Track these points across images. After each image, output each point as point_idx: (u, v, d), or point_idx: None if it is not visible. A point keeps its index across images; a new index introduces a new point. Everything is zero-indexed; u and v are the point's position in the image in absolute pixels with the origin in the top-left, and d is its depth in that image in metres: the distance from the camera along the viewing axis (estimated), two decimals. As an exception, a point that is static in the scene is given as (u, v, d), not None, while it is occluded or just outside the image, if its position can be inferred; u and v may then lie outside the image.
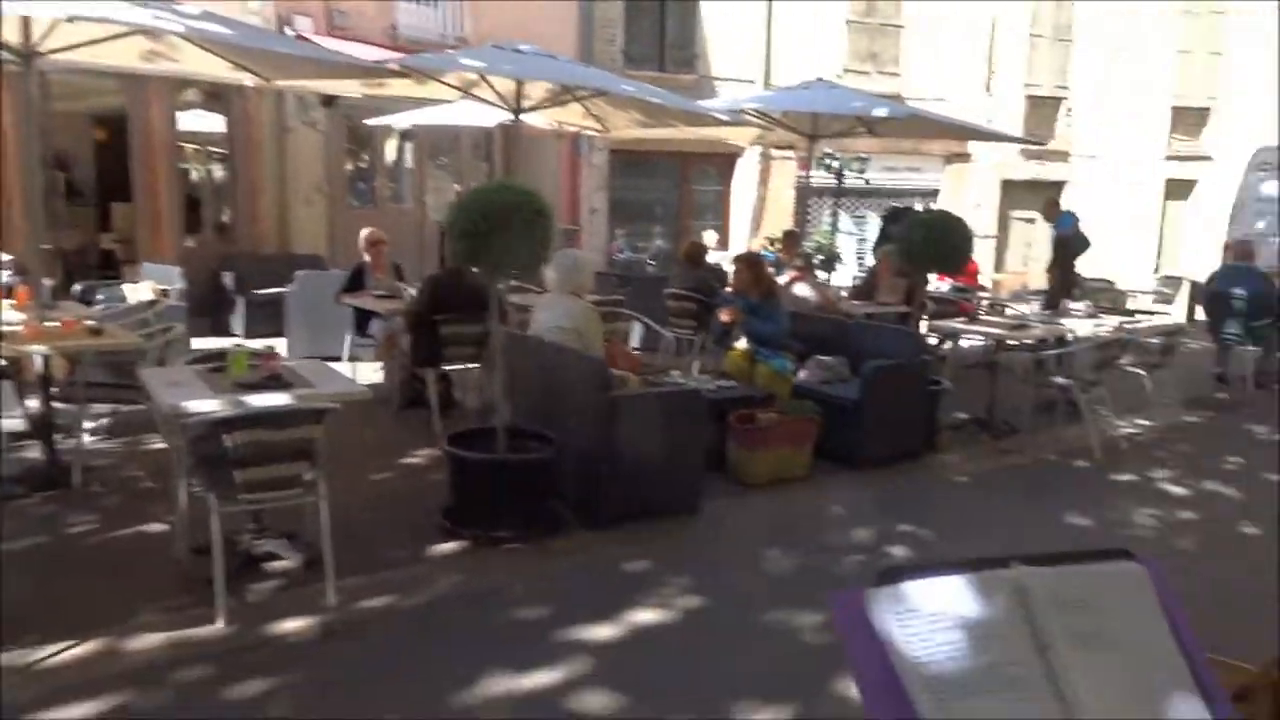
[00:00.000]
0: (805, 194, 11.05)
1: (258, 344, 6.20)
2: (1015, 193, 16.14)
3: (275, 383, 3.78)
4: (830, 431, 5.59)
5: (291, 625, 3.42)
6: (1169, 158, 17.65)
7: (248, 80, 6.25)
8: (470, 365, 6.25)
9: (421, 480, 5.20)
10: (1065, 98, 16.63)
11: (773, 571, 4.20)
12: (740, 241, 13.72)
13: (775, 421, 5.39)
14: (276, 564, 3.91)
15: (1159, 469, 5.98)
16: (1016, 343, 7.19)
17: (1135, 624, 1.49)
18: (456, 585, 3.89)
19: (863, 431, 5.64)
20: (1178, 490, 5.55)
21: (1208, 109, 17.70)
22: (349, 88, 7.43)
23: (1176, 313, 12.60)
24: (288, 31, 9.68)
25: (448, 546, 4.26)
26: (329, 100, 10.20)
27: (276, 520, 4.06)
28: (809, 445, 5.47)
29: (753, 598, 3.85)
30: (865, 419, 5.63)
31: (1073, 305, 9.07)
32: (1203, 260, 11.74)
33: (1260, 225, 12.50)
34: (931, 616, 1.34)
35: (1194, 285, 12.20)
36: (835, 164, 13.21)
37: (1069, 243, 9.17)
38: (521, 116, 7.20)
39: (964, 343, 9.38)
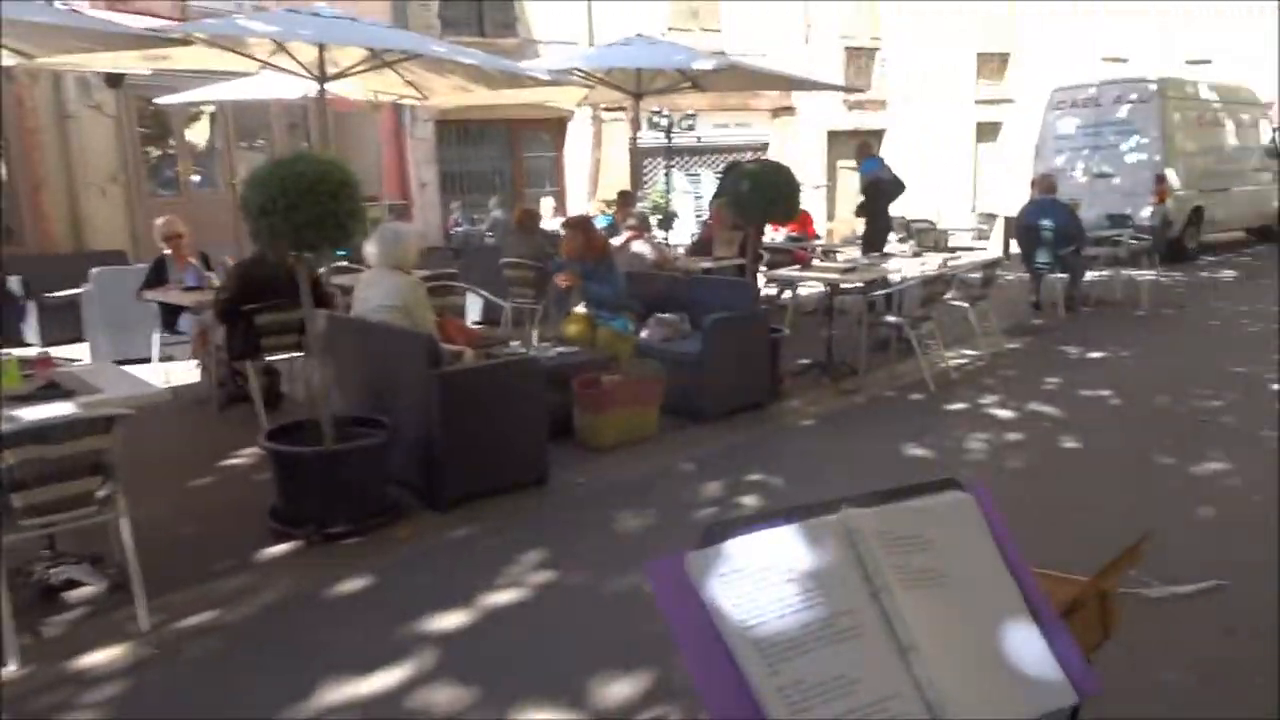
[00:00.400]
0: (638, 155, 10.97)
1: (55, 351, 5.62)
2: (840, 143, 16.62)
3: (53, 391, 3.37)
4: (675, 388, 5.55)
5: (97, 657, 3.07)
6: (977, 102, 18.62)
7: (6, 59, 5.58)
8: (294, 355, 5.85)
9: (247, 482, 4.83)
10: (879, 48, 17.22)
11: (625, 535, 4.11)
12: (578, 207, 13.55)
13: (619, 383, 5.30)
14: (78, 591, 3.52)
15: (987, 395, 6.26)
16: (849, 286, 7.37)
17: (966, 554, 1.44)
18: (288, 590, 3.61)
19: (707, 385, 5.62)
20: (1005, 413, 5.82)
21: (1008, 54, 18.76)
22: (131, 62, 6.78)
23: (993, 247, 13.32)
24: (58, 5, 8.76)
25: (278, 549, 3.96)
26: (115, 80, 9.35)
27: (79, 543, 3.66)
28: (655, 404, 5.41)
29: (606, 565, 3.75)
30: (708, 373, 5.61)
31: (897, 246, 9.40)
32: (1013, 196, 12.39)
33: (1059, 161, 13.32)
34: (757, 574, 1.24)
35: (1007, 220, 12.90)
36: (664, 122, 13.19)
37: (879, 186, 9.41)
38: (329, 86, 6.77)
39: (801, 290, 9.60)
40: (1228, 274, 12.15)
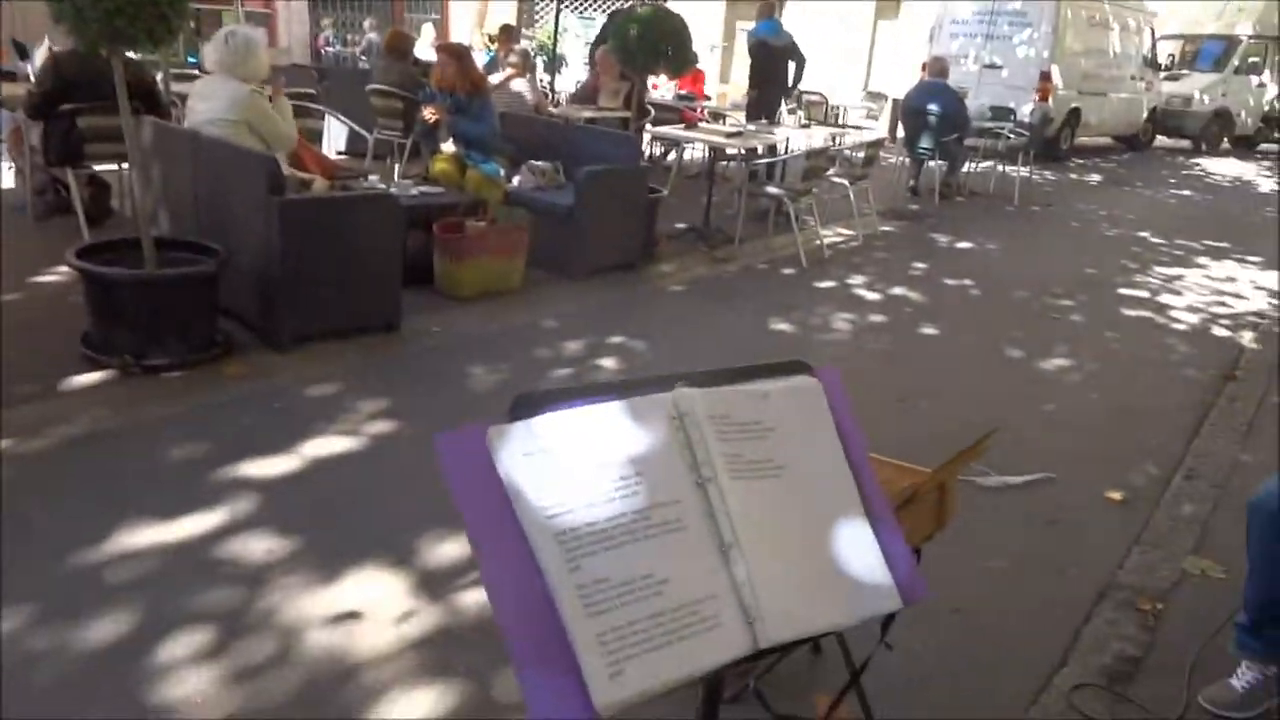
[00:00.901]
0: (529, -13, 10.24)
1: None
2: (741, 2, 16.03)
3: None
4: (545, 240, 5.31)
5: None
6: (881, -25, 18.20)
7: None
8: (124, 165, 5.27)
9: (62, 303, 4.36)
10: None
11: (477, 390, 3.94)
12: (460, 37, 12.68)
13: (485, 230, 5.01)
14: None
15: (856, 275, 6.28)
16: (735, 151, 7.17)
17: (806, 445, 1.33)
18: (95, 423, 3.29)
19: (577, 241, 5.40)
20: (871, 295, 5.85)
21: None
22: None
23: (880, 128, 13.30)
24: None
25: (88, 378, 3.60)
26: None
27: None
28: (521, 256, 5.17)
29: (452, 420, 3.58)
30: (580, 227, 5.38)
31: (787, 118, 9.19)
32: (905, 80, 12.29)
33: (953, 47, 13.24)
34: (568, 455, 1.08)
35: (895, 102, 12.84)
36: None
37: (767, 49, 8.97)
38: None
39: (686, 153, 9.34)
40: (1094, 178, 12.54)
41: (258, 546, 2.64)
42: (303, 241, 3.89)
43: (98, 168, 5.53)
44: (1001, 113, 11.57)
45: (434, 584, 2.53)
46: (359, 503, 2.94)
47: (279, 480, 3.03)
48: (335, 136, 8.07)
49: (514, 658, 0.98)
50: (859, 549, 1.25)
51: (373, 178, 5.56)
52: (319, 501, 2.91)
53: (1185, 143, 16.97)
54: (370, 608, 2.42)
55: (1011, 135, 10.26)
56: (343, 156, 7.66)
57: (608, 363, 4.34)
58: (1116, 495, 3.38)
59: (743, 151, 7.06)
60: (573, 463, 1.06)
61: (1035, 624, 2.59)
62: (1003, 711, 2.23)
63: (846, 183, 7.36)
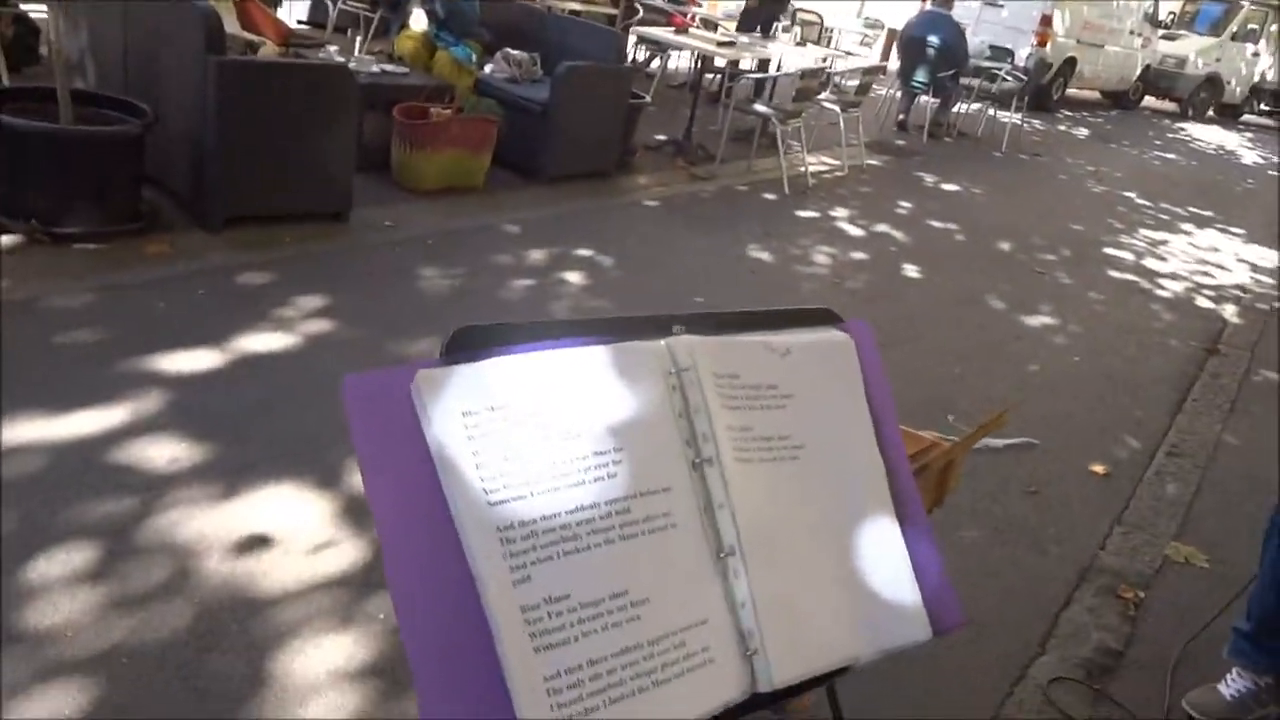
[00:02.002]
0: None
1: None
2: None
3: None
4: (514, 138, 4.91)
5: None
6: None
7: None
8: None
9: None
10: None
11: (426, 293, 3.61)
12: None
13: (450, 119, 4.59)
14: None
15: (840, 208, 5.97)
16: (723, 63, 6.74)
17: (830, 417, 1.05)
18: (-11, 294, 2.92)
19: (550, 141, 5.00)
20: (853, 230, 5.56)
21: None
22: None
23: (872, 57, 12.82)
24: None
25: (-12, 242, 3.20)
26: None
27: None
28: (487, 151, 4.77)
29: (396, 323, 3.26)
30: (554, 126, 4.97)
31: (782, 34, 8.71)
32: (907, 10, 11.79)
33: (961, -23, 12.69)
34: (524, 418, 0.79)
35: (891, 32, 12.34)
36: None
37: None
38: None
39: (672, 61, 8.84)
40: (1082, 132, 12.27)
41: (160, 453, 2.33)
42: (243, 110, 3.47)
43: (25, 6, 4.97)
44: (1000, 53, 11.14)
45: (359, 513, 2.25)
46: (282, 412, 2.62)
47: (193, 378, 2.69)
48: (296, 4, 7.46)
49: (420, 696, 0.70)
50: (886, 559, 0.99)
51: (331, 48, 5.08)
52: (237, 406, 2.59)
53: (1172, 105, 16.72)
54: (283, 534, 2.14)
55: (1009, 78, 9.89)
56: (303, 26, 7.07)
57: (572, 276, 4.02)
58: (1099, 468, 3.20)
59: (735, 61, 6.63)
60: (529, 429, 0.78)
61: (1013, 606, 2.39)
62: (977, 703, 2.04)
63: (838, 109, 6.98)
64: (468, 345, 0.80)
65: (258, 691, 1.72)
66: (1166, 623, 2.40)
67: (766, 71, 7.02)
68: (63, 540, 1.98)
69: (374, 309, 3.35)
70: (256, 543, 2.10)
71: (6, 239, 3.22)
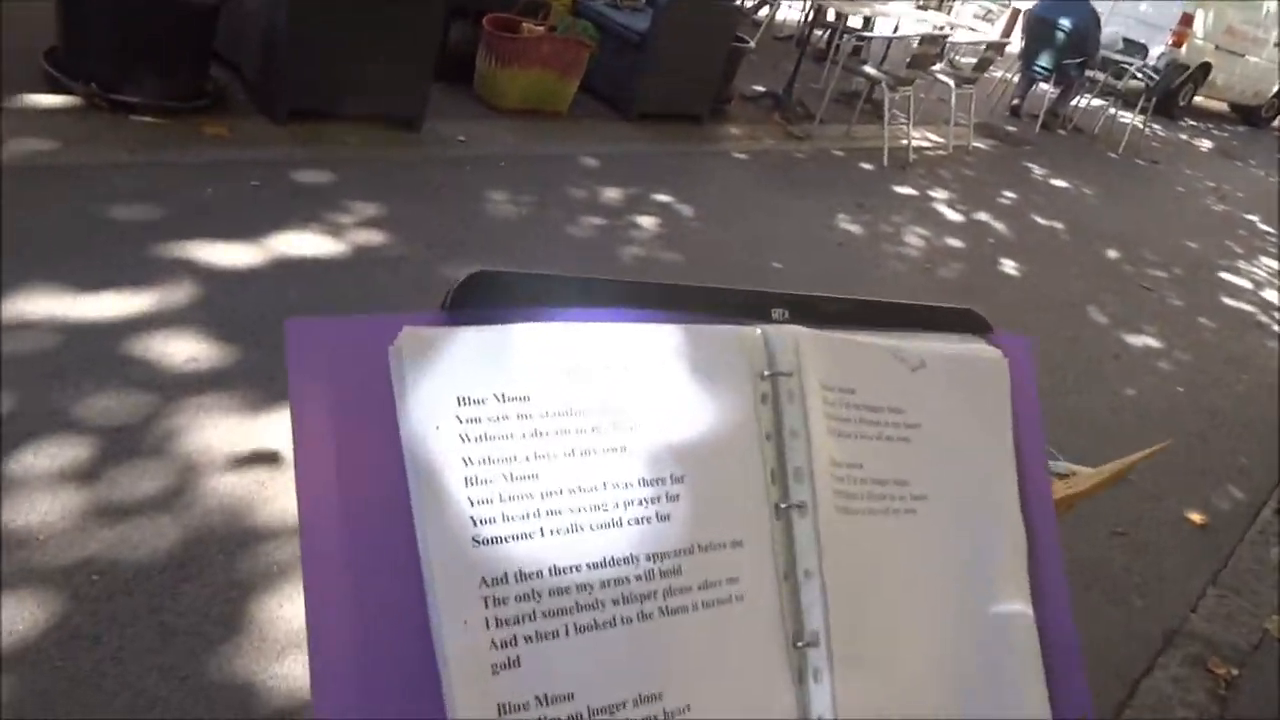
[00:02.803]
0: None
1: None
2: None
3: None
4: (606, 66, 4.62)
5: None
6: None
7: None
8: None
9: (30, 6, 3.73)
10: None
11: (490, 218, 3.38)
12: None
13: (543, 37, 4.32)
14: None
15: (939, 189, 5.58)
16: (837, 14, 6.34)
17: (964, 461, 0.80)
18: (37, 153, 2.75)
19: (644, 74, 4.69)
20: (952, 215, 5.18)
21: None
22: None
23: (993, 34, 12.14)
24: None
25: (46, 100, 3.04)
26: None
27: None
28: (577, 76, 4.48)
29: (452, 245, 3.04)
30: (650, 59, 4.66)
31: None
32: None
33: (1099, -39, 11.90)
34: (548, 413, 0.55)
35: (1015, 11, 11.65)
36: None
37: None
38: None
39: (781, 13, 8.41)
40: (1205, 144, 11.50)
41: (178, 349, 2.15)
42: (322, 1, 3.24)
43: None
44: (1133, 48, 10.43)
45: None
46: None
47: (229, 273, 2.51)
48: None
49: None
50: (1015, 657, 0.73)
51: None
52: (269, 310, 2.40)
53: (1306, 129, 15.64)
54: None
55: (1139, 75, 9.23)
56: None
57: (646, 221, 3.75)
58: (1196, 517, 2.87)
59: (850, 14, 6.21)
60: (552, 435, 0.53)
61: (1089, 664, 2.11)
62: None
63: (951, 84, 6.53)
64: (485, 298, 0.55)
65: (231, 638, 1.53)
66: (1261, 708, 2.10)
67: (879, 33, 6.58)
68: (55, 432, 1.81)
69: (432, 227, 3.13)
70: (263, 460, 1.91)
71: (62, 99, 3.05)
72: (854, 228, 4.44)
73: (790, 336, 0.65)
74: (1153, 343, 4.25)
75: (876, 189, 5.20)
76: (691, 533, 0.56)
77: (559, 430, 0.54)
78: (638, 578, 0.53)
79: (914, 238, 4.60)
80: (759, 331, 0.65)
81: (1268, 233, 7.47)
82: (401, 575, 0.49)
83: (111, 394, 1.95)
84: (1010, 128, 8.25)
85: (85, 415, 1.87)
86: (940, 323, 0.81)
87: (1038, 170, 7.01)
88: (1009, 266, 4.63)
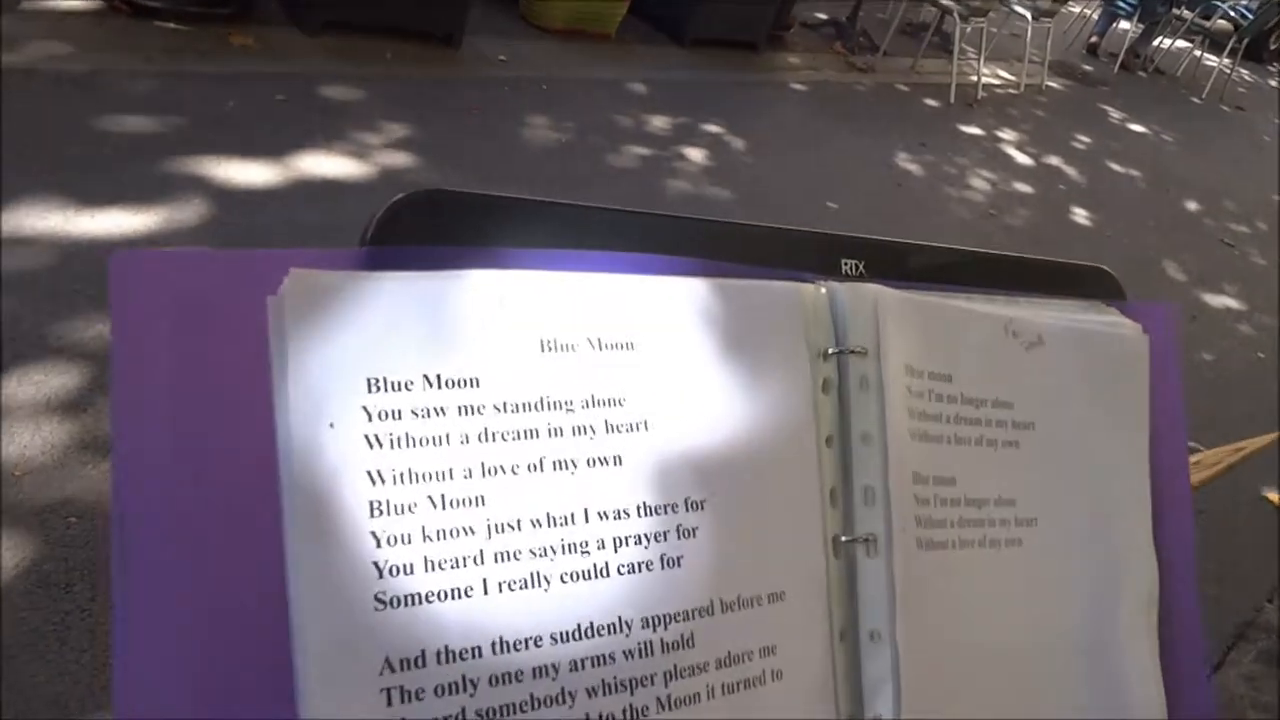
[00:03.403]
0: None
1: None
2: None
3: None
4: (658, -14, 4.35)
5: None
6: None
7: None
8: None
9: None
10: None
11: (528, 143, 3.18)
12: None
13: (591, -48, 4.05)
14: None
15: (1008, 129, 5.24)
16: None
17: (1091, 470, 0.60)
18: (49, 57, 2.60)
19: (698, -3, 4.41)
20: (1021, 158, 4.86)
21: None
22: None
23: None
24: None
25: (64, 2, 2.87)
26: None
27: None
28: (626, -3, 4.22)
29: (486, 171, 2.86)
30: (706, -19, 4.37)
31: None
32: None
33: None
34: (501, 405, 0.36)
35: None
36: None
37: None
38: None
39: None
40: (1294, 92, 10.80)
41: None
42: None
43: None
44: (1227, -16, 9.75)
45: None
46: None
47: (244, 193, 2.36)
48: None
49: None
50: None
51: None
52: (284, 232, 2.24)
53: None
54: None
55: (1230, 15, 8.62)
56: None
57: (694, 154, 3.53)
58: (1275, 497, 2.64)
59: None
60: (510, 443, 0.36)
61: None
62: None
63: (1029, 16, 6.11)
64: (425, 230, 0.38)
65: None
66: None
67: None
68: (43, 358, 1.68)
69: (466, 151, 2.94)
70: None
71: (80, 1, 2.89)
72: (915, 168, 4.16)
73: (868, 298, 0.46)
74: (1233, 304, 3.95)
75: (941, 127, 4.88)
76: (713, 584, 0.39)
77: (522, 432, 0.36)
78: (628, 654, 0.36)
79: (979, 181, 4.30)
80: (823, 290, 0.47)
81: (1360, 189, 6.99)
82: (257, 638, 0.32)
83: (108, 319, 1.82)
84: (1087, 67, 7.78)
85: (78, 341, 1.74)
86: (1061, 282, 0.61)
87: (1114, 113, 6.58)
88: (1080, 215, 4.33)
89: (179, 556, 0.32)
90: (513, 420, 0.36)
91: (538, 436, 0.36)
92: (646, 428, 0.39)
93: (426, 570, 0.33)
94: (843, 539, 0.44)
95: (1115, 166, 5.31)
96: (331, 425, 0.33)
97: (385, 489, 0.34)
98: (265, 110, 2.74)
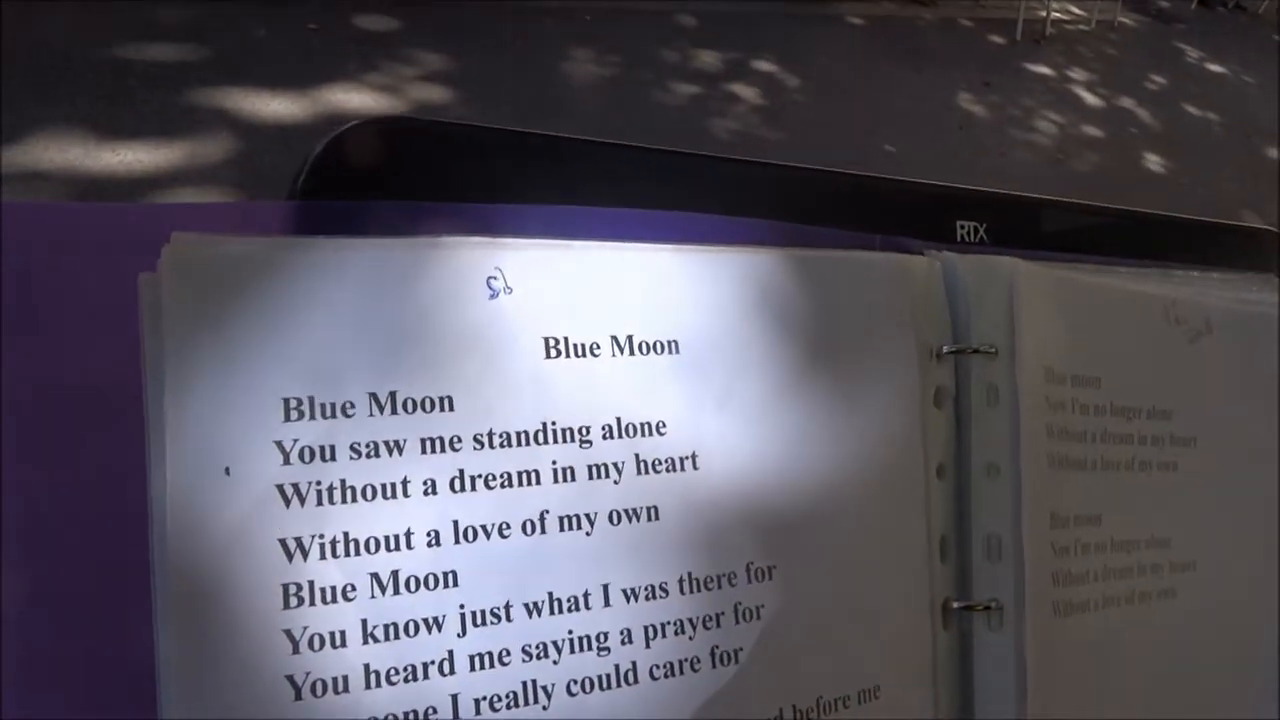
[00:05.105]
0: None
1: None
2: None
3: None
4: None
5: None
6: None
7: None
8: None
9: None
10: None
11: (570, 78, 3.03)
12: None
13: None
14: None
15: (1078, 68, 4.95)
16: None
17: (1254, 496, 0.48)
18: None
19: (753, -77, 4.16)
20: (1091, 99, 4.59)
21: None
22: None
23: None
24: None
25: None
26: None
27: None
28: (676, -79, 3.99)
29: (524, 107, 2.71)
30: (761, -95, 4.12)
31: None
32: None
33: None
34: (491, 432, 0.24)
35: None
36: None
37: None
38: None
39: None
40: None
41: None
42: None
43: None
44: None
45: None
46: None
47: (272, 126, 2.25)
48: None
49: None
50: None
51: None
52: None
53: None
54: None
55: (1321, -54, 8.06)
56: None
57: (745, 92, 3.35)
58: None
59: None
60: (492, 476, 0.25)
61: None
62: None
63: (1104, -54, 5.74)
64: (372, 174, 0.26)
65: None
66: None
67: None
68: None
69: (504, 85, 2.80)
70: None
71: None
72: (978, 109, 3.94)
73: (1001, 275, 0.34)
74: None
75: (1006, 66, 4.61)
76: (783, 688, 0.28)
77: (515, 476, 0.25)
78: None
79: (1045, 123, 4.06)
80: (936, 265, 0.34)
81: None
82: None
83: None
84: (1163, 2, 7.34)
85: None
86: (1222, 249, 0.49)
87: (1192, 53, 6.20)
88: (1153, 162, 4.08)
89: (15, 663, 0.22)
90: (501, 459, 0.25)
91: (537, 482, 0.25)
92: (695, 464, 0.28)
93: (368, 685, 0.23)
94: (956, 605, 0.33)
95: (1192, 110, 5.00)
96: (227, 471, 0.22)
97: (307, 565, 0.23)
98: (295, 40, 2.62)
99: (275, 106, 2.30)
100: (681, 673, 0.26)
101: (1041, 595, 0.34)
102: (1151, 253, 0.42)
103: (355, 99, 2.45)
